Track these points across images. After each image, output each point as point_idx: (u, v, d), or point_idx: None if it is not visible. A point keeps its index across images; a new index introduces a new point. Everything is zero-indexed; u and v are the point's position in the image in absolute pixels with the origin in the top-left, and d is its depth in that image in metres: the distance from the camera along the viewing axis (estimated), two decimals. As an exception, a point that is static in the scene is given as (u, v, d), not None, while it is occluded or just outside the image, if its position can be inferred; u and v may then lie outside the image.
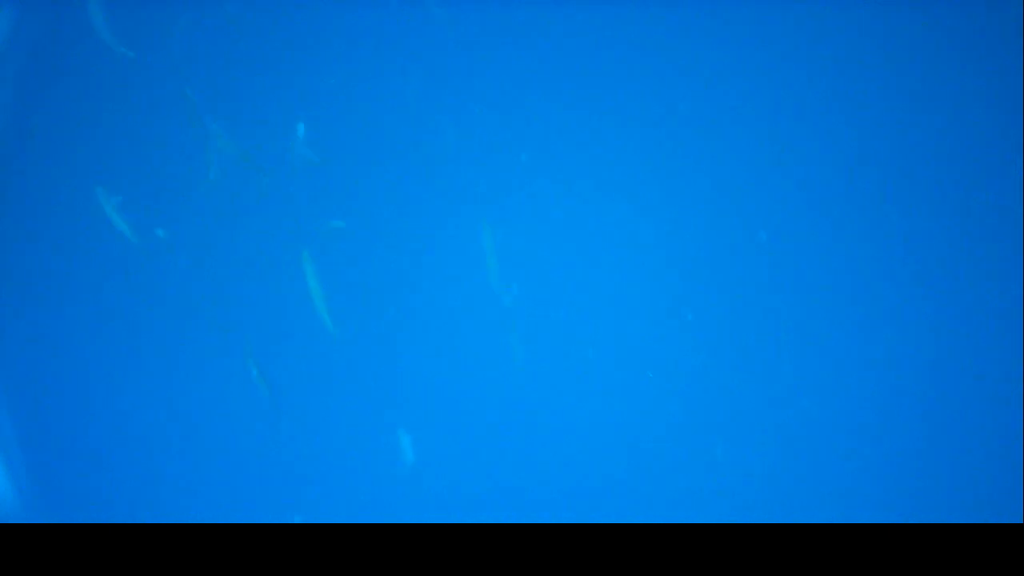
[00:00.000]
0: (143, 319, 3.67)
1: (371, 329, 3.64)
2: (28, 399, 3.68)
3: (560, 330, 3.60)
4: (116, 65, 3.68)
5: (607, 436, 3.58)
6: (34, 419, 3.67)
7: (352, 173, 3.64)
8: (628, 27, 3.58)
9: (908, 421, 3.47)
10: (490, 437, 3.61)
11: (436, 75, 3.63)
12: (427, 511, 3.57)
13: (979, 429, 3.44)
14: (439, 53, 3.62)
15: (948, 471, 3.44)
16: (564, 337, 3.60)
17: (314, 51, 3.66)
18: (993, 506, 3.38)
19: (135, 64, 3.68)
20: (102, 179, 3.65)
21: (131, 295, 3.67)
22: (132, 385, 3.66)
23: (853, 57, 3.51)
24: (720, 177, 3.57)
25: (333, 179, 3.64)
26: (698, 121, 3.57)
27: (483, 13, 3.60)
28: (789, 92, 3.54)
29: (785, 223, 3.55)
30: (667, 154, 3.58)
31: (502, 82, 3.62)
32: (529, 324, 3.60)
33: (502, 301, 3.57)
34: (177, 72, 3.65)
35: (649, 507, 3.52)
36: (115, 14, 3.65)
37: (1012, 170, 3.44)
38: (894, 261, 3.50)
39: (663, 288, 3.58)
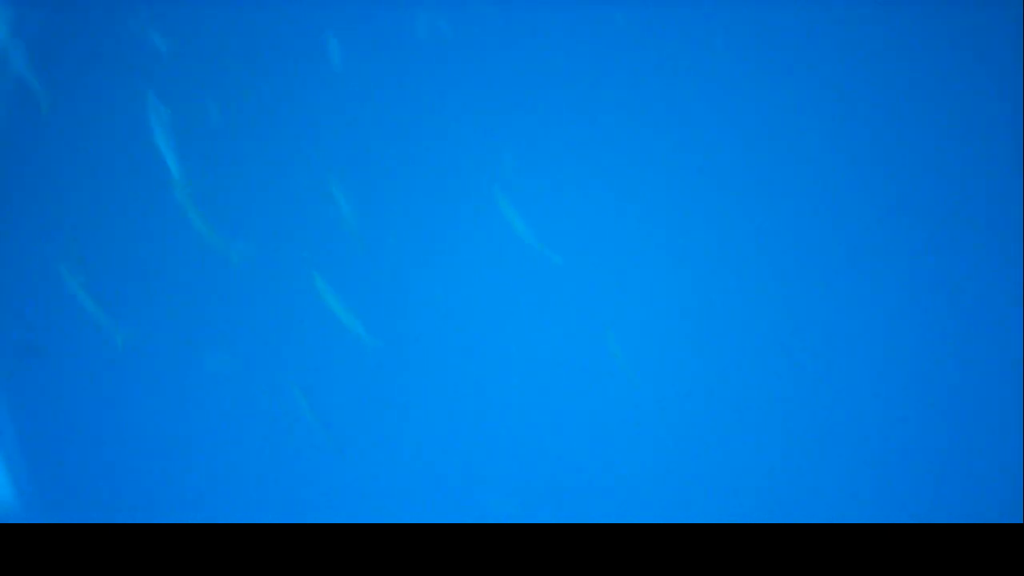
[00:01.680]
0: (144, 318, 3.67)
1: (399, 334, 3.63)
2: (28, 399, 3.68)
3: (561, 330, 3.60)
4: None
5: (606, 436, 3.58)
6: (34, 419, 3.67)
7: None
8: (627, 28, 3.58)
9: (908, 421, 3.47)
10: (492, 436, 3.61)
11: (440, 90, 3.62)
12: (427, 512, 3.57)
13: (979, 429, 3.44)
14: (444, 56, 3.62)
15: (948, 471, 3.44)
16: (564, 337, 3.60)
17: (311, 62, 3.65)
18: (993, 506, 3.38)
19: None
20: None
21: (132, 294, 3.67)
22: (133, 384, 3.66)
23: (853, 57, 3.51)
24: (722, 177, 3.57)
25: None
26: (698, 120, 3.57)
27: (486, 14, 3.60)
28: (787, 92, 3.54)
29: (785, 222, 3.55)
30: (671, 153, 3.58)
31: (497, 89, 3.62)
32: (531, 324, 3.60)
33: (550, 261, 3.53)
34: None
35: (649, 507, 3.53)
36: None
37: (1012, 170, 3.44)
38: (895, 261, 3.50)
39: (664, 290, 3.58)
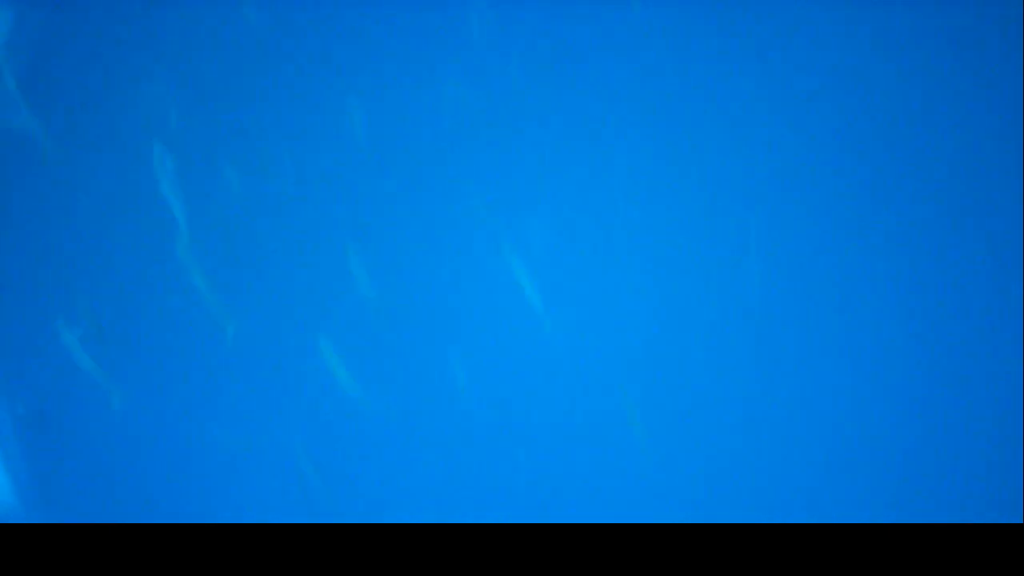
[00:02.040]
0: (145, 317, 3.67)
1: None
2: (28, 399, 3.67)
3: (560, 329, 3.60)
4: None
5: (605, 436, 3.58)
6: (34, 419, 3.67)
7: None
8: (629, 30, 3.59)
9: (908, 421, 3.47)
10: (493, 436, 3.61)
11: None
12: (428, 511, 3.57)
13: (979, 429, 3.44)
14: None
15: (948, 471, 3.44)
16: (563, 336, 3.60)
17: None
18: (993, 506, 3.38)
19: None
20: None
21: (134, 293, 3.67)
22: (133, 384, 3.66)
23: (850, 57, 3.51)
24: (720, 177, 3.57)
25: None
26: (698, 122, 3.57)
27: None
28: (785, 92, 3.54)
29: (784, 223, 3.55)
30: (670, 155, 3.58)
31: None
32: (529, 323, 3.60)
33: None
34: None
35: (649, 507, 3.53)
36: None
37: (1012, 170, 3.44)
38: (895, 261, 3.50)
39: (662, 289, 3.58)
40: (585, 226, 3.60)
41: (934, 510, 3.40)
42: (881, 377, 3.49)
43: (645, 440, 3.49)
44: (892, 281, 3.50)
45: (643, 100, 3.60)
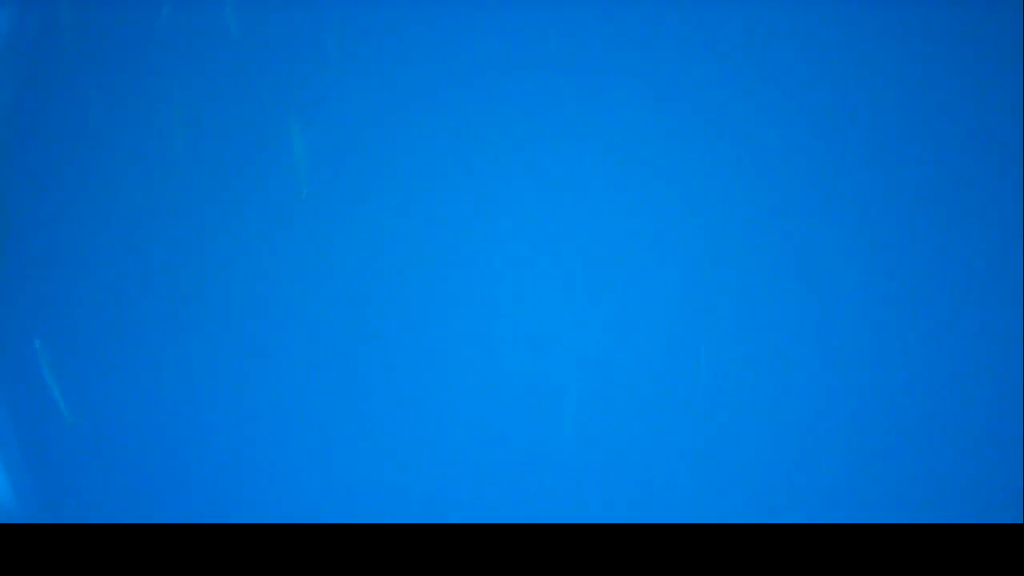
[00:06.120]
0: (144, 316, 3.67)
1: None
2: (28, 399, 3.67)
3: (558, 328, 3.60)
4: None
5: (605, 436, 3.58)
6: (34, 419, 3.67)
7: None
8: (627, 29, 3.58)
9: (908, 421, 3.47)
10: (490, 435, 3.61)
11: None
12: (426, 511, 3.57)
13: (979, 429, 3.43)
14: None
15: (948, 471, 3.44)
16: (564, 336, 3.60)
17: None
18: (993, 506, 3.38)
19: None
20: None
21: (133, 292, 3.67)
22: (132, 384, 3.65)
23: (850, 57, 3.51)
24: (719, 177, 3.56)
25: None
26: (698, 122, 3.56)
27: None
28: (784, 92, 3.53)
29: (782, 223, 3.54)
30: (664, 157, 3.58)
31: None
32: (527, 324, 3.60)
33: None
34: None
35: (649, 507, 3.53)
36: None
37: (1012, 170, 3.44)
38: (894, 261, 3.50)
39: (660, 289, 3.58)
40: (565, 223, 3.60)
41: (934, 510, 3.40)
42: (881, 377, 3.49)
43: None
44: (892, 280, 3.50)
45: (633, 101, 3.60)
